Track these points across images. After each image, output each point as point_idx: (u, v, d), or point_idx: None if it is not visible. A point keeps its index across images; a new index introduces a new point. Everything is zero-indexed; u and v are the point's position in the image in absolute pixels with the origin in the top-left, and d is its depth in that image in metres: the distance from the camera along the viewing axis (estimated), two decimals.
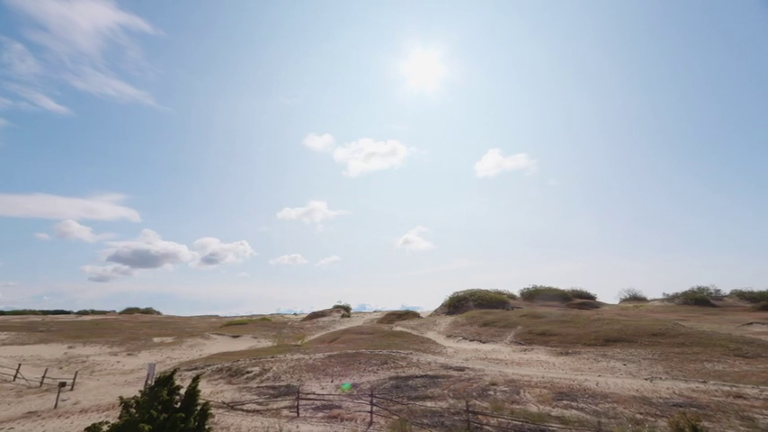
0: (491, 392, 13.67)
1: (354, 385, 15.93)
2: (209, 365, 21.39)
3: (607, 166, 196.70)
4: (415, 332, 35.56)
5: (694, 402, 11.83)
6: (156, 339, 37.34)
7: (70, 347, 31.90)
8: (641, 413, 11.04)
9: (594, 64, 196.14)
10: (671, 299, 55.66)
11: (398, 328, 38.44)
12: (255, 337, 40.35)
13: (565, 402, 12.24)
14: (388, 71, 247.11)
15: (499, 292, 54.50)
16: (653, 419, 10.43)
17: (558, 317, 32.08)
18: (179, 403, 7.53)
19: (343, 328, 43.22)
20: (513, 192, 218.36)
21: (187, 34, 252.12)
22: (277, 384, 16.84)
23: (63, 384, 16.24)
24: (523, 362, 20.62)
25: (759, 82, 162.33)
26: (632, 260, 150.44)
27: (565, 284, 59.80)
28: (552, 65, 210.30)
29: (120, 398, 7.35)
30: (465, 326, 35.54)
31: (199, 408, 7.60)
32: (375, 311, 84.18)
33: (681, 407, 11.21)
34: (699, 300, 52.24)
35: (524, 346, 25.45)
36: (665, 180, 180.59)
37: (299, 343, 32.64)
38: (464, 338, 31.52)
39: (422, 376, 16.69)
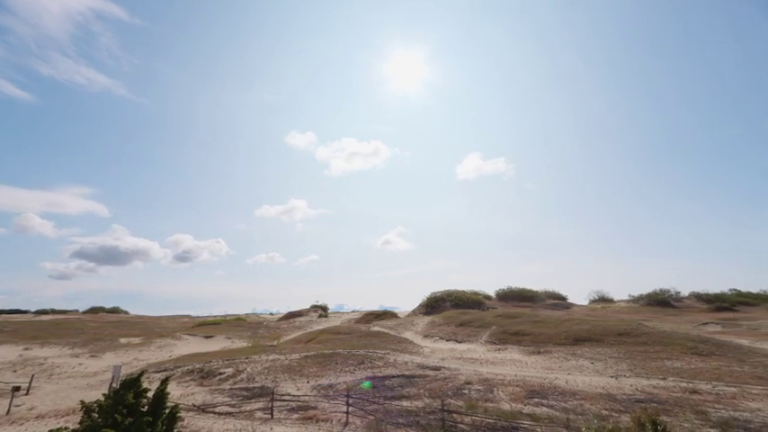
0: (466, 391, 13.90)
1: (330, 386, 15.80)
2: (180, 367, 20.65)
3: (581, 172, 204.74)
4: (392, 332, 35.68)
5: (655, 398, 12.48)
6: (122, 340, 35.67)
7: (26, 349, 29.97)
8: (606, 409, 11.54)
9: (572, 69, 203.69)
10: (636, 300, 58.51)
11: (376, 329, 38.45)
12: (229, 338, 39.28)
13: (536, 400, 12.61)
14: (372, 72, 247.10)
15: (475, 293, 55.55)
16: (617, 415, 10.92)
17: (532, 317, 33.04)
18: (146, 407, 7.22)
19: (320, 328, 42.79)
20: (492, 195, 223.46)
21: (167, 24, 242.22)
22: (251, 386, 16.47)
23: (17, 389, 15.23)
24: (497, 361, 21.10)
25: (728, 91, 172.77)
26: (602, 262, 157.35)
27: (538, 285, 61.78)
28: (531, 69, 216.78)
29: (82, 402, 6.96)
30: (442, 326, 36.00)
31: (167, 411, 7.32)
32: (353, 311, 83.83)
33: (642, 403, 11.80)
34: (661, 301, 55.23)
35: (499, 346, 26.05)
36: (635, 185, 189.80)
37: (275, 343, 32.07)
38: (441, 338, 31.91)
39: (398, 376, 16.76)
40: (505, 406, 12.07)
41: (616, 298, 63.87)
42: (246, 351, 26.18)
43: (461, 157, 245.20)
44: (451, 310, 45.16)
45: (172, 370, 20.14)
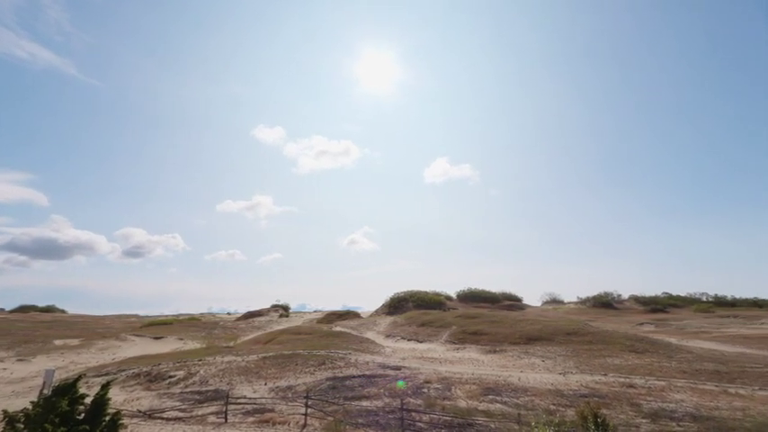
0: (425, 390, 14.18)
1: (289, 387, 15.45)
2: (124, 370, 19.21)
3: (541, 180, 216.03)
4: (354, 332, 35.57)
5: (597, 393, 13.46)
6: (57, 342, 32.51)
7: None
8: (554, 404, 12.27)
9: (538, 78, 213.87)
10: (583, 302, 62.87)
11: (338, 329, 38.15)
12: (181, 339, 37.14)
13: (491, 397, 13.14)
14: (343, 70, 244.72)
15: (437, 294, 56.81)
16: (564, 409, 11.66)
17: (489, 317, 34.36)
18: (83, 414, 6.64)
19: (280, 328, 41.69)
20: (458, 199, 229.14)
21: (129, 4, 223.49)
22: (204, 389, 15.68)
23: None
24: (456, 360, 21.72)
25: (683, 101, 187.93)
26: (555, 266, 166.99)
27: (497, 287, 64.37)
28: (498, 76, 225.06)
29: (4, 411, 6.26)
30: (404, 326, 36.44)
31: (108, 418, 6.77)
32: (315, 311, 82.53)
33: (586, 397, 12.69)
34: (604, 303, 59.82)
35: (458, 345, 26.83)
36: (589, 193, 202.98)
37: (232, 344, 30.80)
38: (402, 338, 32.29)
39: (359, 376, 16.74)
40: (462, 403, 12.45)
41: (566, 300, 68.24)
42: (200, 352, 24.90)
43: (430, 161, 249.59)
44: (414, 310, 45.85)
45: (115, 374, 18.69)
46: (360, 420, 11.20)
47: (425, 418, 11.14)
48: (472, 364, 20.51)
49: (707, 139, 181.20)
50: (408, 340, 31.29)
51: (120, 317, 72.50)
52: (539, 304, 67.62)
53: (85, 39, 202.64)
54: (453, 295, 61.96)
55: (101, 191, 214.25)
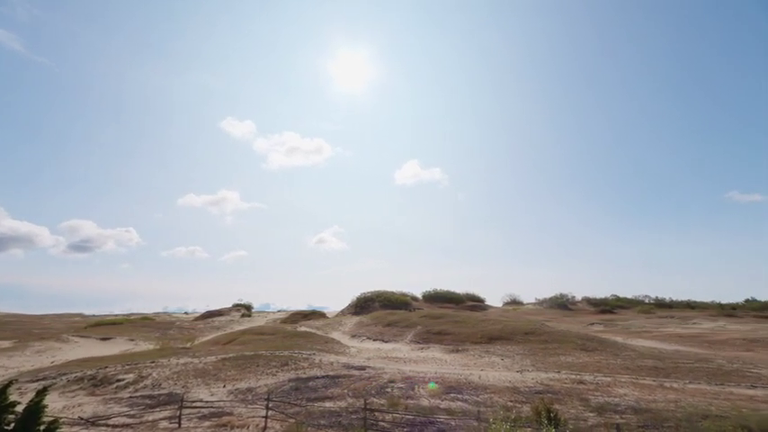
0: (389, 389, 14.27)
1: (250, 389, 14.95)
2: (65, 374, 17.69)
3: (508, 185, 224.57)
4: (319, 332, 35.10)
5: (550, 389, 14.21)
6: None
7: None
8: (512, 401, 12.81)
9: (504, 83, 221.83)
10: (541, 303, 66.18)
11: (303, 329, 37.48)
12: (132, 340, 34.84)
13: (452, 395, 13.47)
14: (318, 66, 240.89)
15: (404, 294, 57.39)
16: (520, 405, 12.19)
17: (453, 318, 35.23)
18: (13, 424, 6.04)
19: (242, 328, 40.26)
20: (427, 201, 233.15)
21: None
22: (156, 393, 14.79)
23: None
24: (420, 359, 22.06)
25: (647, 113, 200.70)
26: (516, 268, 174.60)
27: (461, 288, 66.10)
28: (469, 81, 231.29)
29: None
30: (370, 326, 36.47)
31: (43, 428, 6.20)
32: (279, 311, 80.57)
33: (541, 394, 13.36)
34: (560, 304, 63.33)
35: (422, 345, 27.27)
36: (556, 199, 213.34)
37: (189, 345, 29.33)
38: (368, 338, 32.31)
39: (323, 377, 16.54)
40: (425, 402, 12.66)
41: (525, 301, 71.42)
42: (153, 354, 23.47)
43: (401, 163, 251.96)
44: (380, 310, 46.02)
45: (54, 378, 17.16)
46: (322, 421, 11.06)
47: (388, 417, 11.21)
48: (436, 363, 20.92)
49: (662, 146, 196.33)
50: (374, 340, 31.35)
51: (61, 316, 66.75)
52: (500, 305, 70.27)
53: (33, 11, 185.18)
54: (419, 296, 62.89)
55: (45, 178, 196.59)
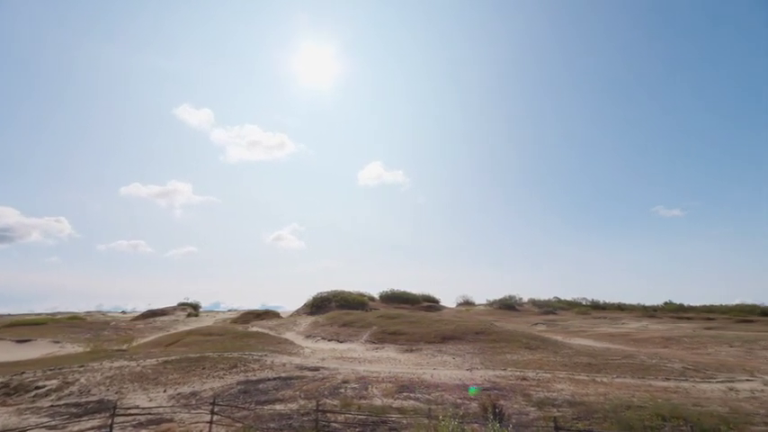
0: (342, 390, 14.18)
1: (194, 393, 14.09)
2: None
3: (466, 190, 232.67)
4: (272, 333, 34.02)
5: (497, 386, 14.96)
6: None
7: None
8: (461, 398, 13.30)
9: (466, 86, 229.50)
10: (491, 304, 69.47)
11: (255, 329, 36.10)
12: (57, 342, 31.37)
13: (405, 394, 13.70)
14: (282, 58, 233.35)
15: (361, 294, 57.43)
16: (468, 402, 12.70)
17: (409, 318, 35.86)
18: None
19: (187, 328, 37.87)
20: (388, 203, 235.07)
21: None
22: (84, 401, 13.44)
23: None
24: (375, 359, 22.18)
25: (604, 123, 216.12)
26: (469, 270, 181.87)
27: (417, 289, 67.56)
28: (433, 84, 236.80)
29: None
30: (325, 326, 36.00)
31: None
32: (230, 310, 77.03)
33: (488, 390, 14.02)
34: (508, 305, 66.95)
35: (377, 345, 27.43)
36: (511, 205, 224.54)
37: (125, 347, 27.01)
38: (323, 338, 31.87)
39: (274, 378, 16.04)
40: (378, 401, 12.75)
41: (477, 302, 74.61)
42: (82, 357, 21.30)
43: (365, 164, 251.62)
44: (336, 310, 45.62)
45: None
46: (272, 425, 10.73)
47: (341, 418, 11.14)
48: (390, 362, 21.15)
49: (604, 162, 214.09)
50: (329, 340, 30.99)
51: None
52: (454, 306, 72.77)
53: None
54: (376, 296, 63.27)
55: None
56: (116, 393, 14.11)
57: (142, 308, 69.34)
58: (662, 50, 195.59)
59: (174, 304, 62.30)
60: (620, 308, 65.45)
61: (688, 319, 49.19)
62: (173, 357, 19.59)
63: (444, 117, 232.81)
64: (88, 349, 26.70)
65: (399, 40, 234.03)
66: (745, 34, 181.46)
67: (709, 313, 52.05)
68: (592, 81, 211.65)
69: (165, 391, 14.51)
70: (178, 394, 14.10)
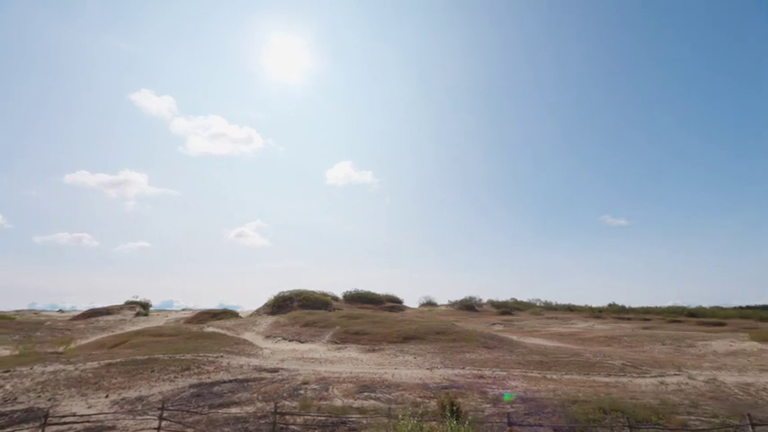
0: (302, 391, 13.92)
1: (140, 398, 13.18)
2: None
3: (432, 194, 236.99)
4: (230, 333, 32.66)
5: (455, 384, 15.39)
6: None
7: None
8: (421, 397, 13.54)
9: (434, 88, 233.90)
10: (452, 305, 71.36)
11: (211, 329, 34.45)
12: None
13: (366, 394, 13.71)
14: (251, 50, 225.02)
15: (324, 294, 56.73)
16: (428, 401, 12.95)
17: (372, 318, 35.93)
18: None
19: (135, 329, 35.38)
20: (355, 203, 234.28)
21: None
22: (9, 409, 12.11)
23: None
24: (337, 360, 21.99)
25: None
26: (433, 271, 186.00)
27: (381, 289, 67.88)
28: (404, 88, 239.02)
29: None
30: (286, 326, 35.15)
31: None
32: (184, 310, 73.05)
33: (447, 389, 14.38)
34: (468, 306, 69.13)
35: (339, 345, 27.22)
36: (476, 208, 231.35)
37: (62, 350, 24.70)
38: (284, 339, 31.10)
39: (230, 381, 15.41)
40: (338, 402, 12.65)
41: (439, 302, 76.36)
42: (8, 362, 19.18)
43: (334, 163, 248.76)
44: (299, 310, 44.70)
45: None
46: (226, 429, 10.29)
47: (299, 420, 10.93)
48: (352, 363, 21.06)
49: (559, 170, 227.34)
50: (290, 341, 30.29)
51: None
52: (417, 306, 73.94)
53: None
54: (340, 296, 62.78)
55: None
56: (49, 401, 12.86)
57: (83, 306, 63.95)
58: (602, 72, 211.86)
59: (121, 303, 57.91)
60: (570, 309, 69.82)
61: (628, 319, 53.52)
62: (117, 360, 18.21)
63: (414, 120, 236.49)
64: (16, 352, 24.07)
65: (371, 40, 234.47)
66: (686, 45, 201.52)
67: (646, 314, 57.01)
68: (557, 95, 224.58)
69: (107, 396, 13.45)
70: (122, 399, 13.12)
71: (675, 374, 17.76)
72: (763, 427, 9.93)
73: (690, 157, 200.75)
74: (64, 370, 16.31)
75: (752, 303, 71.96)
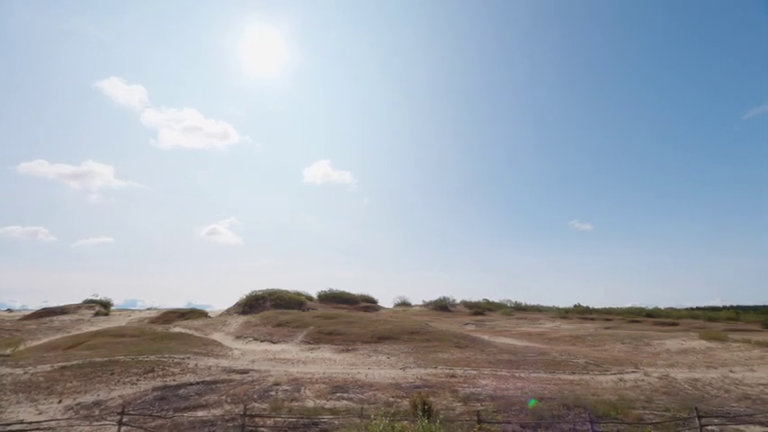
0: (273, 393, 13.63)
1: (98, 403, 12.45)
2: None
3: (409, 195, 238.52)
4: (198, 333, 31.48)
5: (428, 384, 15.58)
6: None
7: None
8: (394, 396, 13.60)
9: (415, 88, 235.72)
10: (426, 305, 72.20)
11: (177, 329, 33.08)
12: None
13: (338, 395, 13.62)
14: (228, 43, 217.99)
15: (298, 293, 55.83)
16: (401, 400, 13.04)
17: (346, 318, 35.72)
18: None
19: (94, 329, 33.39)
20: (333, 203, 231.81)
21: None
22: None
23: None
24: (309, 360, 21.70)
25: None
26: (408, 271, 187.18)
27: (356, 289, 67.61)
28: (384, 88, 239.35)
29: None
30: (258, 326, 34.31)
31: None
32: (149, 309, 69.76)
33: (419, 388, 14.53)
34: (442, 306, 70.21)
35: (313, 345, 26.88)
36: (452, 208, 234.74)
37: (9, 352, 22.93)
38: (255, 339, 30.33)
39: (197, 383, 14.85)
40: (310, 403, 12.49)
41: (413, 303, 77.00)
42: None
43: (312, 161, 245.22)
44: (272, 309, 43.73)
45: None
46: None
47: (270, 422, 10.70)
48: (325, 363, 20.86)
49: (539, 171, 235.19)
50: (261, 341, 29.58)
51: None
52: (392, 306, 74.21)
53: None
54: (315, 296, 61.99)
55: None
56: None
57: (35, 306, 59.61)
58: (572, 82, 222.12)
59: (79, 302, 54.37)
60: (539, 309, 72.41)
61: (592, 319, 56.17)
62: (73, 362, 17.12)
63: (394, 121, 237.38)
64: None
65: (349, 38, 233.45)
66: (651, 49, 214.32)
67: (608, 314, 60.07)
68: (534, 100, 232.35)
69: (60, 401, 12.61)
70: (78, 405, 12.35)
71: (633, 372, 18.82)
72: (709, 418, 10.73)
73: (654, 164, 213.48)
74: (11, 374, 15.15)
75: (701, 305, 77.85)
